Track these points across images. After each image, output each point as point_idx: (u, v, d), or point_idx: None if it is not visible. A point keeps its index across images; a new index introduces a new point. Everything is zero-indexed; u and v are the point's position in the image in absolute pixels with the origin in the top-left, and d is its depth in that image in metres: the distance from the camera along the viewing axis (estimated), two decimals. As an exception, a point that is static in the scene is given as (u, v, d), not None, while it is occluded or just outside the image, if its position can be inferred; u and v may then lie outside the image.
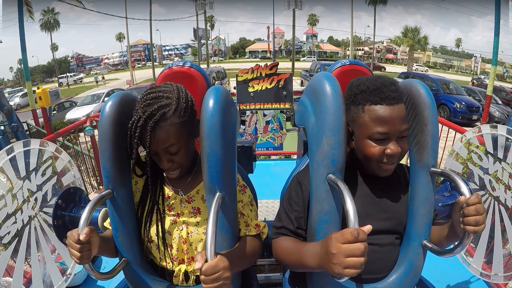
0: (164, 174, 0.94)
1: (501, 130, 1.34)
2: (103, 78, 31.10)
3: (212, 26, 51.38)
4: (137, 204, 0.93)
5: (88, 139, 3.24)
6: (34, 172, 1.22)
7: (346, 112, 0.80)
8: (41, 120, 4.01)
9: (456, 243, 0.79)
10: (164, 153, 0.82)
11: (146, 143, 0.79)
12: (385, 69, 37.08)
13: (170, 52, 59.59)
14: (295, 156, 3.89)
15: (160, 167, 0.86)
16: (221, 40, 60.65)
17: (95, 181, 3.57)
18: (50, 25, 38.24)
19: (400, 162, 0.97)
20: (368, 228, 0.64)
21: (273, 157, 4.13)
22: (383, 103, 0.77)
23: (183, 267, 0.92)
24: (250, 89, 3.48)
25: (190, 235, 0.90)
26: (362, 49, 52.79)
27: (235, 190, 0.88)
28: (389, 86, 0.79)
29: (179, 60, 1.18)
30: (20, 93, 19.72)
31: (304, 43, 60.41)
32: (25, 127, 5.11)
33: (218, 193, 0.79)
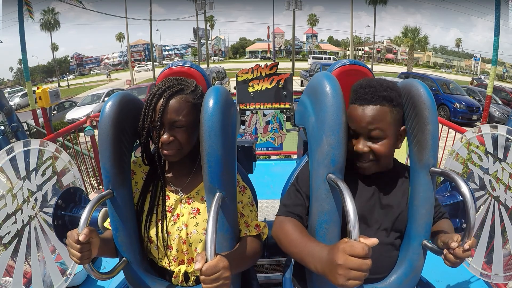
0: (165, 175, 0.94)
1: (501, 130, 1.34)
2: (109, 75, 37.25)
3: (212, 26, 51.34)
4: (137, 204, 0.93)
5: (88, 139, 3.24)
6: (34, 172, 1.22)
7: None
8: (41, 120, 4.02)
9: None
10: (169, 125, 0.84)
11: (159, 110, 0.81)
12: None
13: (170, 52, 59.55)
14: (295, 156, 3.89)
15: (160, 140, 0.84)
16: (221, 40, 60.62)
17: (95, 181, 3.57)
18: (50, 25, 38.15)
19: (400, 162, 0.97)
20: (374, 241, 0.63)
21: (273, 157, 4.14)
22: (356, 102, 0.84)
23: (182, 267, 0.92)
24: (250, 89, 3.48)
25: (190, 235, 0.90)
26: (362, 49, 52.75)
27: (235, 190, 0.88)
28: (365, 88, 0.83)
29: (179, 60, 1.18)
30: (20, 93, 19.70)
31: (304, 43, 60.34)
32: (25, 127, 5.10)
33: (218, 193, 0.79)
